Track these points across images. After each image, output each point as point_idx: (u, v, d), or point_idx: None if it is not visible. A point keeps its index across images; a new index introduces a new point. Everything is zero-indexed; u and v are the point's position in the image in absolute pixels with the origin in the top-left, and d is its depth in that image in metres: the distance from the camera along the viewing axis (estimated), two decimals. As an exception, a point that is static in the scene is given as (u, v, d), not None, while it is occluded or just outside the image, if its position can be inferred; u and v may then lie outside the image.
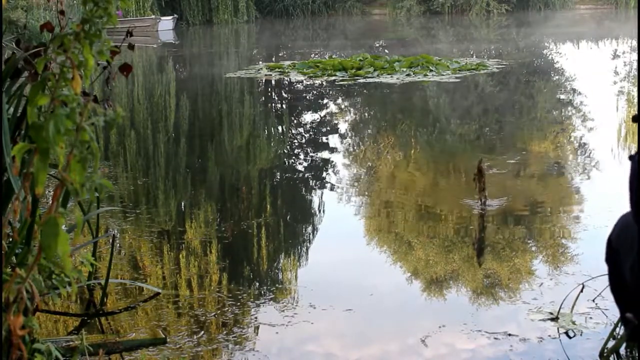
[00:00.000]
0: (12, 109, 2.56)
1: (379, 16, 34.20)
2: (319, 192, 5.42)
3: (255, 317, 3.08)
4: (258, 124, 8.85)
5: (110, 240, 3.73)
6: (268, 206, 5.01)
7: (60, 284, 2.02)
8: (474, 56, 14.93)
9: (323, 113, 9.42)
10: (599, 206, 4.51)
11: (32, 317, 1.51)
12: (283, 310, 3.12)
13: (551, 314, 2.96)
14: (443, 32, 24.38)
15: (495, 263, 3.66)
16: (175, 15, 29.02)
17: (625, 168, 2.08)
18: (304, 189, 5.54)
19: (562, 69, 13.48)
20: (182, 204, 5.11)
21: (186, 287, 3.44)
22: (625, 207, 4.34)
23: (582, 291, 3.02)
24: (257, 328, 2.97)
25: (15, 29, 18.05)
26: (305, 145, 7.38)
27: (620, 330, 2.59)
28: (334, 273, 3.68)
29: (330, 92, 10.96)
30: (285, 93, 11.55)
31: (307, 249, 4.15)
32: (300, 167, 6.33)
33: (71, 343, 2.72)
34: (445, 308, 3.17)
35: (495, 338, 2.80)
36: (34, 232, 2.22)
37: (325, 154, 6.79)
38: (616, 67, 12.78)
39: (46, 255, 1.34)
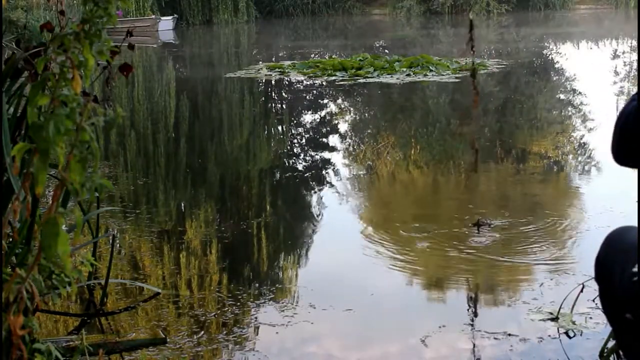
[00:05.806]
0: (12, 109, 2.56)
1: (379, 16, 34.20)
2: (319, 192, 5.42)
3: (255, 317, 3.08)
4: (258, 124, 8.85)
5: (110, 240, 3.73)
6: (268, 206, 5.01)
7: (60, 284, 2.02)
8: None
9: (323, 113, 9.42)
10: (600, 206, 4.51)
11: (32, 317, 1.51)
12: (283, 310, 3.12)
13: (551, 314, 2.96)
14: (443, 32, 24.38)
15: (495, 262, 3.66)
16: (175, 15, 29.04)
17: (625, 168, 2.08)
18: (304, 189, 5.54)
19: (562, 69, 13.48)
20: (182, 204, 5.11)
21: (186, 287, 3.44)
22: (624, 208, 4.30)
23: (582, 291, 3.01)
24: (257, 328, 2.97)
25: (15, 29, 18.05)
26: (305, 145, 7.38)
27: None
28: (334, 273, 3.68)
29: (330, 92, 10.96)
30: (285, 93, 11.55)
31: (307, 249, 4.15)
32: (300, 167, 6.33)
33: (71, 343, 2.71)
34: (445, 308, 3.17)
35: (495, 338, 2.80)
36: (34, 232, 2.22)
37: (325, 154, 6.79)
38: (616, 67, 12.79)
39: (46, 255, 1.34)
